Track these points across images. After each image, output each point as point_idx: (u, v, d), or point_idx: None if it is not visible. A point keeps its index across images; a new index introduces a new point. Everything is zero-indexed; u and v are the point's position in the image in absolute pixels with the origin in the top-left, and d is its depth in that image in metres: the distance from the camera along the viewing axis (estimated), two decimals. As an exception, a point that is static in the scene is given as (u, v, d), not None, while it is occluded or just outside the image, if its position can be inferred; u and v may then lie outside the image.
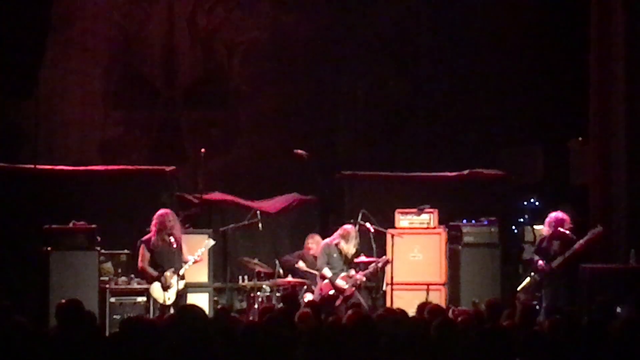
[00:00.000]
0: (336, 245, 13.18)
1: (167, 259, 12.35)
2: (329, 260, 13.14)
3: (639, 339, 7.03)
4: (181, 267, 12.35)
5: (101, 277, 13.29)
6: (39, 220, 13.32)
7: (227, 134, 16.85)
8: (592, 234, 12.70)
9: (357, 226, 13.54)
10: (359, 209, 13.82)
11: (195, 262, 12.55)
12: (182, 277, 12.37)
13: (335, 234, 13.30)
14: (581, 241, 12.58)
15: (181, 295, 12.34)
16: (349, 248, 13.11)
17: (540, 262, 12.72)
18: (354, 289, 13.11)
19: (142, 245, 12.44)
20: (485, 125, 16.38)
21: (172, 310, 11.88)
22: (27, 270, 13.39)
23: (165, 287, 12.26)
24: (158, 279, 12.31)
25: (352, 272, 13.18)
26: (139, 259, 12.46)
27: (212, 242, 13.00)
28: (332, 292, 13.04)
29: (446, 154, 16.26)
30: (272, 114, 16.86)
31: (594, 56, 14.71)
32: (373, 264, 13.20)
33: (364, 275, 13.22)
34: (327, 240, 13.38)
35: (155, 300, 12.52)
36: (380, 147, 16.69)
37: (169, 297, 12.27)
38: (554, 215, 12.89)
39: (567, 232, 12.72)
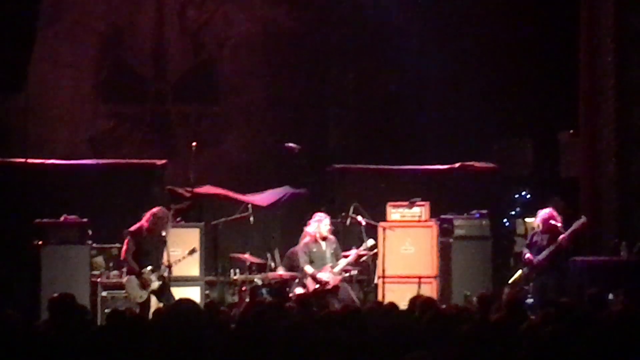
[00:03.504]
0: (315, 241, 13.19)
1: (150, 256, 12.26)
2: (311, 257, 13.16)
3: (632, 331, 7.05)
4: (160, 266, 12.22)
5: (92, 271, 13.29)
6: (30, 214, 13.31)
7: (218, 128, 16.85)
8: (576, 226, 12.74)
9: (349, 219, 13.57)
10: (351, 202, 13.86)
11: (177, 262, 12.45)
12: (160, 278, 12.24)
13: (307, 229, 13.31)
14: (565, 233, 12.63)
15: (159, 295, 12.17)
16: (321, 230, 13.12)
17: (529, 255, 12.78)
18: (339, 279, 13.10)
19: (129, 237, 12.33)
20: (476, 118, 16.39)
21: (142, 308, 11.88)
22: (18, 264, 13.36)
23: (143, 285, 12.17)
24: (138, 274, 12.19)
25: (341, 262, 13.19)
26: (124, 249, 12.32)
27: (194, 252, 12.94)
28: (317, 286, 13.02)
29: (437, 147, 16.28)
30: (262, 107, 16.86)
31: (584, 49, 14.74)
32: (354, 251, 13.23)
33: (348, 264, 13.23)
34: (305, 239, 13.35)
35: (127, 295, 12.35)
36: (371, 140, 16.70)
37: (142, 295, 12.16)
38: (547, 212, 12.91)
39: (558, 224, 12.75)
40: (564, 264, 12.78)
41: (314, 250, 13.20)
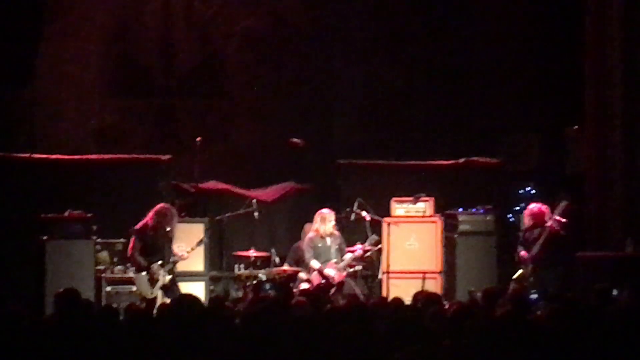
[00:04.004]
0: (321, 237, 13.22)
1: (157, 252, 12.27)
2: (315, 251, 13.18)
3: (638, 326, 7.05)
4: (169, 261, 12.26)
5: (97, 266, 13.31)
6: (35, 209, 13.32)
7: (223, 123, 16.82)
8: (560, 210, 12.69)
9: (354, 215, 13.57)
10: (355, 198, 13.85)
11: (182, 258, 12.47)
12: (170, 272, 12.27)
13: (313, 225, 13.35)
14: (551, 221, 12.60)
15: (166, 290, 12.21)
16: (326, 228, 13.16)
17: (523, 252, 12.75)
18: (344, 274, 13.12)
19: (135, 235, 12.35)
20: (482, 113, 16.36)
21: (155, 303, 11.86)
22: (23, 259, 13.38)
23: (152, 281, 12.18)
24: (147, 269, 12.20)
25: (346, 258, 13.19)
26: (130, 246, 12.37)
27: (202, 243, 12.96)
28: (323, 281, 13.04)
29: (442, 142, 16.26)
30: (268, 102, 16.83)
31: (590, 43, 14.71)
32: (360, 247, 13.25)
33: (353, 259, 13.24)
34: (310, 234, 13.40)
35: (138, 292, 12.38)
36: (376, 135, 16.67)
37: (153, 291, 12.17)
38: (536, 207, 12.90)
39: (545, 216, 12.72)
40: (565, 258, 12.75)
41: (319, 245, 13.22)
